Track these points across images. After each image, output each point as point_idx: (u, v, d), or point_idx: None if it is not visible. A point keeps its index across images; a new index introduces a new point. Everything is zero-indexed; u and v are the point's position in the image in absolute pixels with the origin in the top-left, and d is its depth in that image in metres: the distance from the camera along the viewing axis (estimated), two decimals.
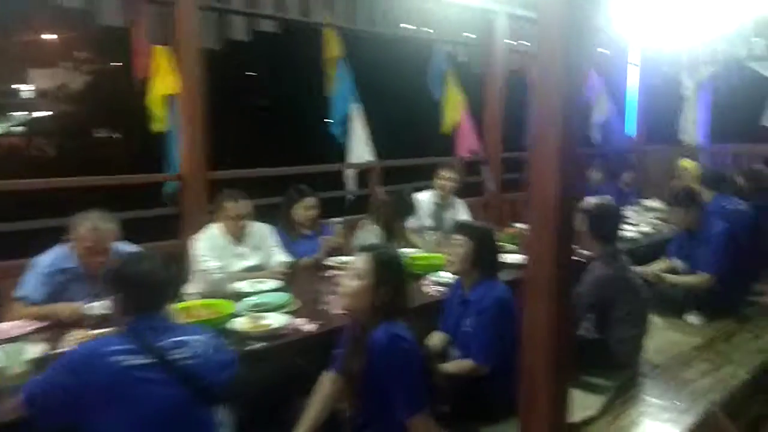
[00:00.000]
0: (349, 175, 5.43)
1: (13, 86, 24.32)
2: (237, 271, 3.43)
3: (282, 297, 2.95)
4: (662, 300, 4.05)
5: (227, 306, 2.70)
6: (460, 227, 2.85)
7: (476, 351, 2.59)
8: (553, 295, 1.91)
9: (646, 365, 3.22)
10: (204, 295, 2.92)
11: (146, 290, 1.90)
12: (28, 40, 23.84)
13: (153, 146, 4.40)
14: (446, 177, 4.75)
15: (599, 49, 7.82)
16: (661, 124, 8.08)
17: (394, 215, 4.22)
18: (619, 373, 3.06)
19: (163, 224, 4.20)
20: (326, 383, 2.27)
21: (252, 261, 3.58)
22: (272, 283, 3.25)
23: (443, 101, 6.07)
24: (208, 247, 3.46)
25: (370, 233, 4.13)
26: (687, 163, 6.47)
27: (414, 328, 2.06)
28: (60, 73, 23.46)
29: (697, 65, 7.55)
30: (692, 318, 3.92)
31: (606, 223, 3.17)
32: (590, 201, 3.30)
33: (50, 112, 22.86)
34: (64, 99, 22.33)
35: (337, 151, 5.45)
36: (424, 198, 4.78)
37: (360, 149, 5.33)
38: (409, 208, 4.29)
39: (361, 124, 5.31)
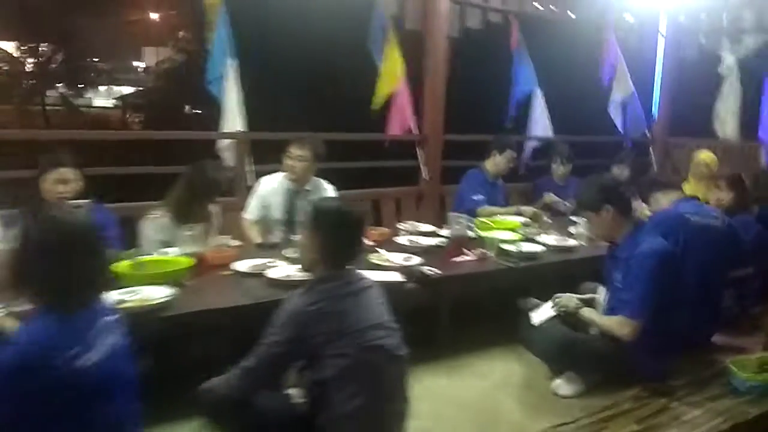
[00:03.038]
0: (222, 148, 4.39)
1: (121, 63, 25.58)
2: None
3: None
4: (540, 348, 2.75)
5: None
6: None
7: None
8: None
9: None
10: None
11: None
12: (137, 19, 25.02)
13: None
14: (295, 155, 3.56)
15: (625, 15, 6.31)
16: (691, 110, 6.35)
17: (191, 197, 3.18)
18: None
19: None
20: None
21: None
22: None
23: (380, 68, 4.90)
24: None
25: (155, 225, 3.12)
26: (705, 156, 4.84)
27: None
28: (162, 52, 23.95)
29: (739, 35, 5.78)
30: (561, 384, 2.58)
31: (335, 236, 1.97)
32: (324, 204, 2.10)
33: (142, 88, 23.62)
34: (159, 76, 22.66)
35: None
36: (273, 183, 3.67)
37: (231, 116, 4.30)
38: (211, 188, 3.23)
39: (236, 85, 4.28)
